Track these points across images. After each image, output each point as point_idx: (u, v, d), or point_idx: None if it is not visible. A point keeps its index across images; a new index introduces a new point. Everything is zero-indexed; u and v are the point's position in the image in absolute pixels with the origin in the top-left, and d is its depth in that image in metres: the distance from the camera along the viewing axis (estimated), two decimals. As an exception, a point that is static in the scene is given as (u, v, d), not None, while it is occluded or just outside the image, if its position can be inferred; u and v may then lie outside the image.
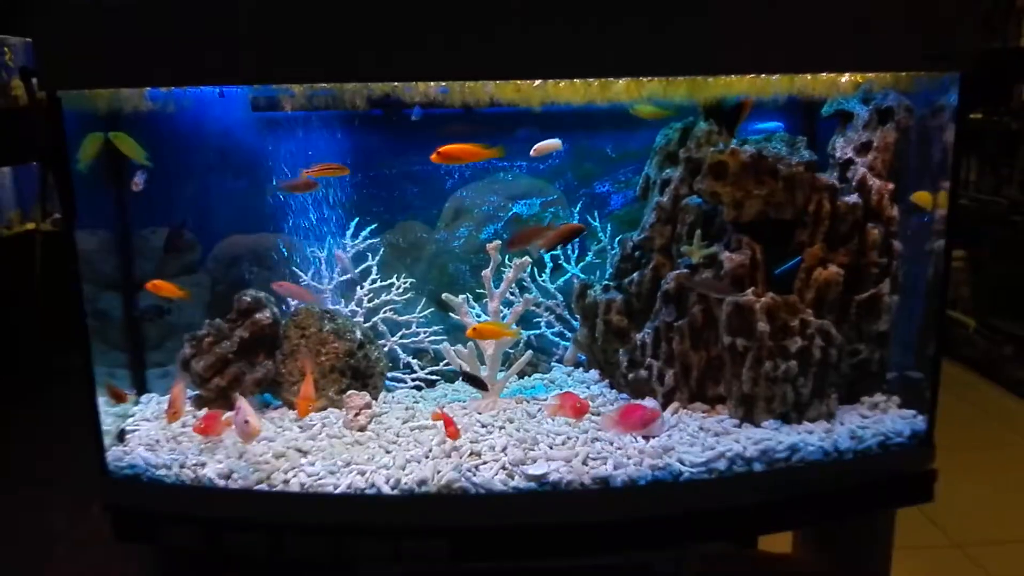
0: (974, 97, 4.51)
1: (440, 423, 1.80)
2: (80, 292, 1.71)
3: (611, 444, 1.79)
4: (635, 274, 2.09)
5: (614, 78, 1.76)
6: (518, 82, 1.73)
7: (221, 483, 1.70)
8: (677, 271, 1.97)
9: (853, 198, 1.91)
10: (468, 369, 2.06)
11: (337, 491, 1.67)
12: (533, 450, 1.76)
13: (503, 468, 1.71)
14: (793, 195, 1.90)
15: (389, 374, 2.17)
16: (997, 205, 4.43)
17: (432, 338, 2.20)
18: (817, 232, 1.91)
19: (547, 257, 2.24)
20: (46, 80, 1.57)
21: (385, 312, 2.19)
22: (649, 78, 1.77)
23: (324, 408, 2.02)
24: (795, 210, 1.91)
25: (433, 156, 1.80)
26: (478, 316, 2.13)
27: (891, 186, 1.93)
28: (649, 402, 1.89)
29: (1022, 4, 4.33)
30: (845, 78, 1.94)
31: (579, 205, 2.23)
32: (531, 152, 1.95)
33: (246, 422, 1.74)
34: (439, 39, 1.53)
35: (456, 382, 2.20)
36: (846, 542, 2.08)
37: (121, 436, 1.84)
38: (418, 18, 1.52)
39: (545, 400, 2.02)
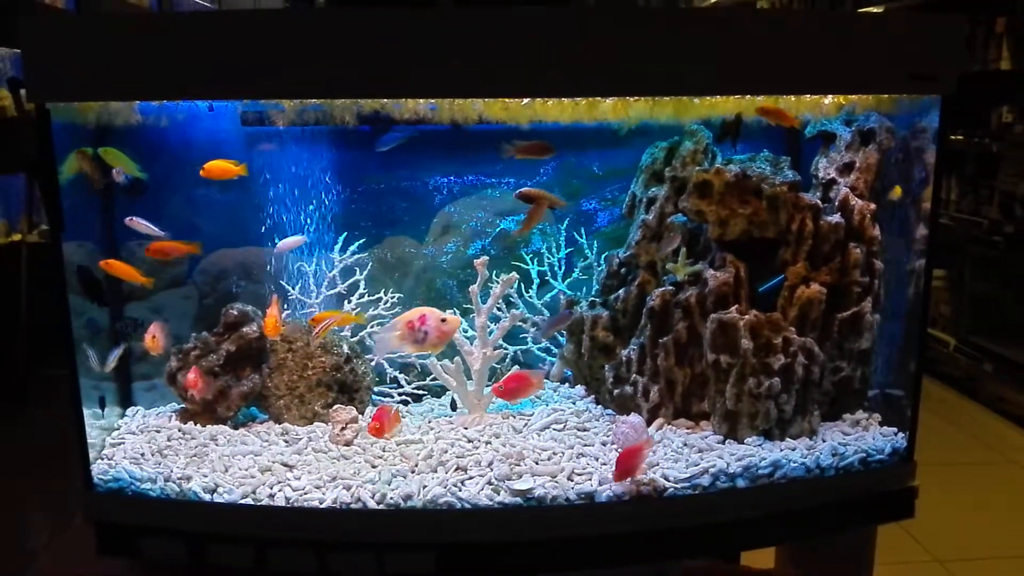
0: (954, 119, 4.61)
1: (428, 433, 1.81)
2: (66, 304, 1.70)
3: (596, 460, 1.80)
4: (621, 291, 2.11)
5: (601, 98, 1.80)
6: (506, 100, 1.76)
7: (206, 497, 1.70)
8: (662, 288, 1.99)
9: (835, 218, 1.94)
10: (455, 384, 2.07)
11: (323, 505, 1.67)
12: (519, 465, 1.77)
13: (489, 483, 1.72)
14: (776, 214, 1.93)
15: (376, 388, 2.17)
16: (977, 225, 4.50)
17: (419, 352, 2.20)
18: (800, 251, 1.94)
19: (534, 272, 2.26)
20: (34, 92, 1.58)
21: (372, 326, 2.19)
22: (635, 98, 1.80)
23: (311, 421, 2.03)
24: (778, 229, 1.94)
25: (201, 171, 1.89)
26: (465, 331, 2.14)
27: (873, 206, 1.96)
28: (634, 418, 1.90)
29: (1002, 28, 4.42)
30: (828, 100, 1.98)
31: (566, 222, 2.25)
32: (275, 249, 2.06)
33: (443, 320, 1.73)
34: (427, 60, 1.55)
35: (442, 397, 2.20)
36: (827, 557, 2.09)
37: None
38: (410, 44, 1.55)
39: (531, 415, 2.04)
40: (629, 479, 1.69)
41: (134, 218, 1.93)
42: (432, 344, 1.78)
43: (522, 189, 1.96)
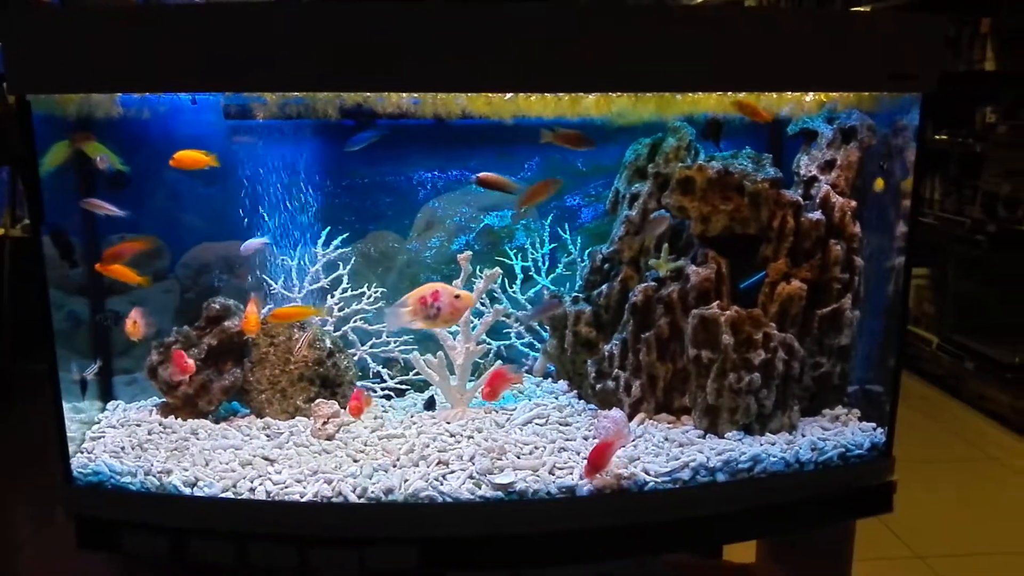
0: (939, 120, 4.64)
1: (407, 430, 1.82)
2: (46, 298, 1.69)
3: (578, 454, 1.81)
4: (604, 286, 2.11)
5: (583, 93, 1.80)
6: (489, 95, 1.76)
7: (187, 491, 1.69)
8: (644, 284, 2.00)
9: (816, 215, 1.95)
10: (438, 378, 2.07)
11: (303, 499, 1.67)
12: (500, 459, 1.77)
13: (470, 477, 1.72)
14: (758, 211, 1.94)
15: (358, 383, 2.17)
16: (960, 224, 4.53)
17: (402, 347, 2.21)
18: (781, 247, 1.95)
19: (518, 268, 2.26)
20: (14, 84, 1.57)
21: (355, 321, 2.19)
22: (618, 94, 1.81)
23: (293, 416, 2.02)
24: (760, 226, 1.95)
25: (171, 161, 1.87)
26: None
27: (853, 203, 1.98)
28: (616, 413, 1.91)
29: (986, 29, 4.45)
30: (810, 97, 1.99)
31: (550, 218, 2.26)
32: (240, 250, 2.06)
33: (457, 296, 1.71)
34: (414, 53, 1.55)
35: (425, 391, 2.20)
36: (808, 552, 2.11)
37: None
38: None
39: (514, 409, 2.04)
40: (605, 473, 1.70)
41: (90, 199, 1.90)
42: (444, 320, 1.76)
43: (480, 174, 1.93)
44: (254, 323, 1.96)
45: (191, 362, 1.94)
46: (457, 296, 1.73)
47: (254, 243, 2.07)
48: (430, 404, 2.09)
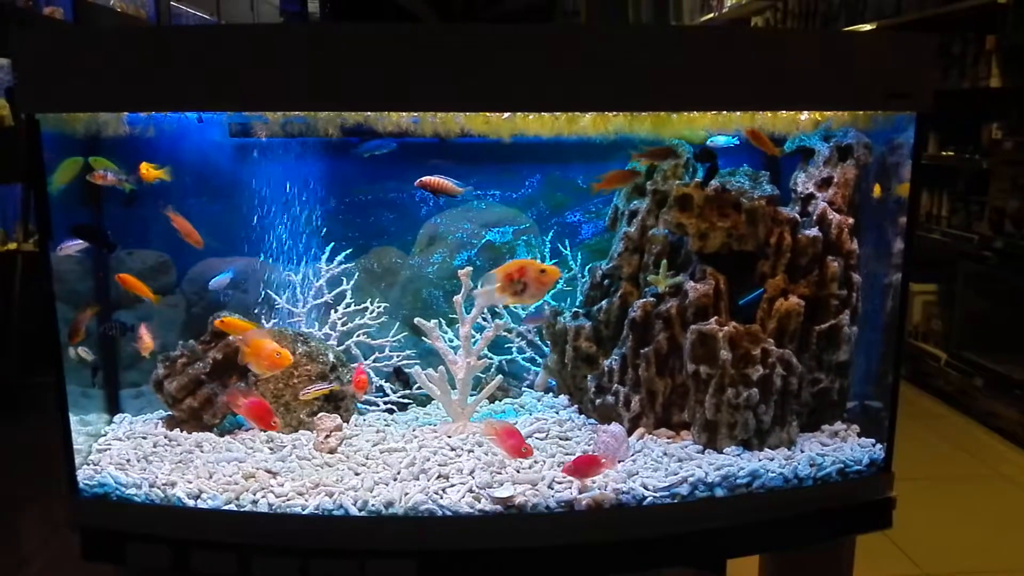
0: (946, 136, 4.64)
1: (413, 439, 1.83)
2: (54, 311, 1.73)
3: (576, 468, 1.82)
4: (603, 302, 2.13)
5: (582, 112, 1.83)
6: (488, 114, 1.79)
7: (190, 503, 1.71)
8: (644, 299, 2.01)
9: (813, 231, 1.97)
10: (439, 392, 2.09)
11: (305, 512, 1.69)
12: (500, 473, 1.79)
13: (470, 491, 1.74)
14: (755, 228, 1.95)
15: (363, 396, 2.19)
16: (968, 240, 4.52)
17: (405, 362, 2.23)
18: (778, 264, 1.97)
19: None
20: (24, 102, 1.60)
21: (359, 336, 2.22)
22: (615, 113, 1.83)
23: (296, 429, 2.05)
24: (757, 242, 1.97)
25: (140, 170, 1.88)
26: (450, 341, 2.17)
27: (851, 220, 1.99)
28: (615, 427, 1.92)
29: (991, 46, 4.46)
30: (805, 116, 2.01)
31: (551, 234, 2.28)
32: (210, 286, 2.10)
33: (543, 271, 1.72)
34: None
35: (428, 406, 2.23)
36: (809, 567, 2.10)
37: None
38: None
39: (515, 423, 2.05)
40: (603, 488, 1.71)
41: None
42: (531, 295, 1.75)
43: (422, 178, 1.93)
44: (287, 358, 1.88)
45: (278, 420, 1.91)
46: (543, 271, 1.74)
47: (223, 280, 2.11)
48: (398, 372, 2.18)
